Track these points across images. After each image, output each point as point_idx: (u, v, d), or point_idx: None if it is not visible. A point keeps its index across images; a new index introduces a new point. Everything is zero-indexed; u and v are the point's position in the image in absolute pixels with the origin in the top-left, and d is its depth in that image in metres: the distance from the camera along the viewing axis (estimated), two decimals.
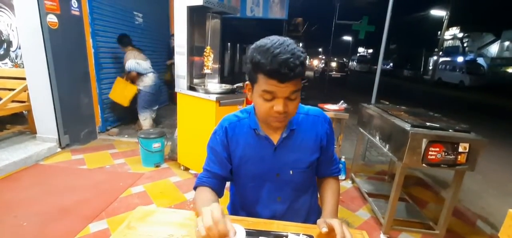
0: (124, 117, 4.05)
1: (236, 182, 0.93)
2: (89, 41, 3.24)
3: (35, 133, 2.94)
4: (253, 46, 0.72)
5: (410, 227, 1.91)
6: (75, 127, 3.05)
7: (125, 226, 0.75)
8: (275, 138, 0.84)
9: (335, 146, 0.95)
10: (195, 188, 0.88)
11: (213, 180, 0.87)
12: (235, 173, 0.89)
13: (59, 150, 2.90)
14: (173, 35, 3.21)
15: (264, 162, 0.84)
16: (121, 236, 0.72)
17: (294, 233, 0.71)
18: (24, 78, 2.85)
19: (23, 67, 2.81)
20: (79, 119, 3.10)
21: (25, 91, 2.90)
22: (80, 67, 3.06)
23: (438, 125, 1.59)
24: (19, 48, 3.20)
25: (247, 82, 0.78)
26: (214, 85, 2.59)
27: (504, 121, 6.63)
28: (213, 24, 2.55)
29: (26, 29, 2.63)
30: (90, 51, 3.27)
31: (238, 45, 16.19)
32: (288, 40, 0.69)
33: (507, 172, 3.39)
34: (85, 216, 1.85)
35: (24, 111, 3.09)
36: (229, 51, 14.42)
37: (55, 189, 2.18)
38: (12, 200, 1.99)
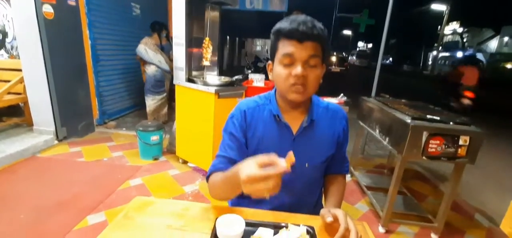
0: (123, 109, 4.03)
1: None
2: (86, 33, 3.19)
3: (32, 125, 2.91)
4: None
5: (408, 220, 1.91)
6: (73, 119, 3.02)
7: (122, 216, 0.74)
8: (295, 127, 0.82)
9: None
10: (208, 178, 0.82)
11: (230, 166, 0.80)
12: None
13: (56, 142, 2.88)
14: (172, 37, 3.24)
15: (281, 151, 0.78)
16: (118, 226, 0.70)
17: (294, 224, 0.70)
18: (20, 70, 2.81)
19: (19, 58, 2.77)
20: (76, 111, 3.07)
21: (21, 83, 2.86)
22: (77, 58, 3.02)
23: (438, 118, 1.58)
24: (15, 39, 3.15)
25: (269, 61, 0.82)
26: (213, 77, 2.57)
27: (502, 116, 6.65)
28: (212, 16, 2.51)
29: (22, 19, 2.58)
30: (87, 42, 3.22)
31: (237, 38, 16.08)
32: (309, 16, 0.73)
33: (505, 166, 3.41)
34: (83, 208, 1.84)
35: (20, 103, 3.06)
36: (228, 45, 14.33)
37: (53, 182, 2.16)
38: (9, 192, 1.97)
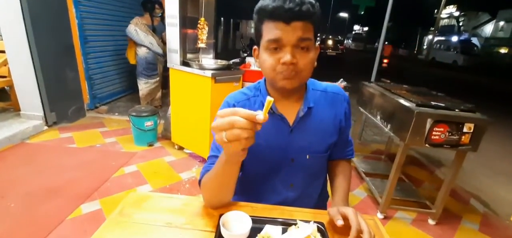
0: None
1: (244, 168, 0.81)
2: (72, 11, 2.99)
3: (19, 110, 2.78)
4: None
5: (406, 206, 1.92)
6: (62, 104, 2.89)
7: (117, 213, 0.68)
8: (291, 118, 0.74)
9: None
10: (200, 182, 0.73)
11: None
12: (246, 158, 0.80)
13: (45, 128, 2.77)
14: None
15: (278, 145, 0.74)
16: (114, 224, 0.65)
17: (303, 221, 0.65)
18: (3, 52, 2.64)
19: (2, 39, 2.59)
20: (65, 95, 2.94)
21: (5, 65, 2.70)
22: (63, 39, 2.85)
23: (443, 104, 1.54)
24: None
25: (254, 47, 0.71)
26: (209, 61, 2.46)
27: (496, 100, 6.74)
28: None
29: None
30: (74, 22, 3.03)
31: (231, 20, 15.65)
32: None
33: (499, 151, 3.46)
34: (77, 196, 1.78)
35: (5, 87, 2.90)
36: (222, 27, 13.95)
37: (44, 168, 2.08)
38: None
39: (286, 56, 0.61)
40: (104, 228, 0.63)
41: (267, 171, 0.78)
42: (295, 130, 0.74)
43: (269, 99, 0.49)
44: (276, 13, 0.60)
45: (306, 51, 0.64)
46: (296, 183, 0.79)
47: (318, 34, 0.69)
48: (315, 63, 0.68)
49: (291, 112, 0.74)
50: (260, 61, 0.69)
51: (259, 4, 0.64)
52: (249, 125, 0.47)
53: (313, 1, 0.62)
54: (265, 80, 0.77)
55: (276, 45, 0.63)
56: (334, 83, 2.54)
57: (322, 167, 0.84)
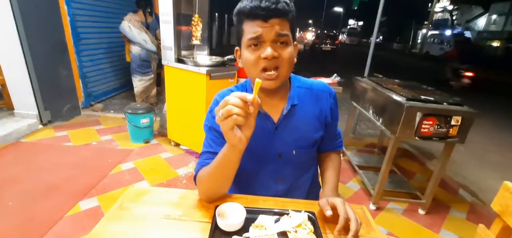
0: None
1: None
2: (64, 8, 2.96)
3: (13, 108, 2.76)
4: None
5: (397, 197, 1.99)
6: (56, 102, 2.88)
7: (117, 207, 0.71)
8: (275, 116, 0.77)
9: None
10: (195, 178, 0.76)
11: None
12: None
13: (40, 126, 2.76)
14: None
15: (265, 142, 0.77)
16: (114, 217, 0.67)
17: (295, 210, 0.69)
18: None
19: None
20: (59, 93, 2.92)
21: None
22: (55, 36, 2.83)
23: (432, 98, 1.59)
24: None
25: (236, 48, 0.74)
26: (204, 57, 2.47)
27: (486, 93, 6.87)
28: None
29: None
30: (66, 19, 3.00)
31: (226, 16, 15.54)
32: None
33: (487, 143, 3.56)
34: (74, 193, 1.80)
35: None
36: (216, 23, 13.85)
37: (41, 167, 2.08)
38: None
39: (267, 51, 0.65)
40: (105, 221, 0.66)
41: (256, 167, 0.81)
42: (280, 127, 0.78)
43: (258, 81, 0.55)
44: (254, 12, 0.64)
45: (285, 45, 0.67)
46: (285, 177, 0.83)
47: (295, 33, 0.73)
48: (295, 59, 0.72)
49: (275, 110, 0.77)
50: (242, 60, 0.71)
51: (237, 7, 0.68)
52: (241, 103, 0.54)
53: (288, 0, 0.66)
54: (249, 81, 0.80)
55: (257, 42, 0.66)
56: (321, 80, 2.59)
57: (310, 160, 0.87)
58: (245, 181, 0.85)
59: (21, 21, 2.41)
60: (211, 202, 0.74)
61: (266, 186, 0.83)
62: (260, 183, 0.84)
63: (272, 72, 0.67)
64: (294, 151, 0.79)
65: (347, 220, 0.63)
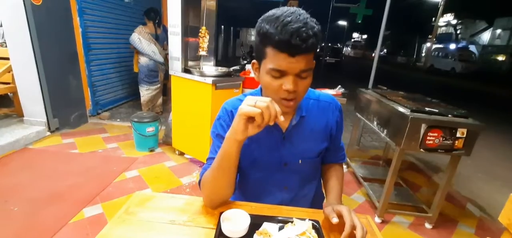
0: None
1: (240, 171, 0.85)
2: (76, 20, 3.07)
3: (22, 116, 2.82)
4: (261, 17, 0.65)
5: (403, 210, 1.95)
6: (65, 110, 2.94)
7: (123, 212, 0.72)
8: (283, 126, 0.79)
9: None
10: (200, 183, 0.77)
11: None
12: (240, 161, 0.82)
13: (48, 133, 2.81)
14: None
15: (272, 151, 0.79)
16: (120, 222, 0.68)
17: (300, 219, 0.69)
18: (7, 58, 2.69)
19: (6, 46, 2.65)
20: (68, 101, 2.99)
21: (9, 72, 2.75)
22: (67, 47, 2.92)
23: (437, 110, 1.59)
24: (1, 26, 3.01)
25: (254, 61, 0.72)
26: (210, 68, 2.52)
27: (493, 107, 6.80)
28: (208, 4, 2.44)
29: (8, 5, 2.45)
30: (78, 30, 3.11)
31: (232, 28, 15.85)
32: (300, 10, 0.62)
33: (495, 157, 3.50)
34: (79, 200, 1.81)
35: (9, 94, 2.95)
36: (223, 35, 14.12)
37: (46, 174, 2.11)
38: (1, 185, 1.92)
39: (288, 84, 0.64)
40: (111, 225, 0.67)
41: (262, 174, 0.83)
42: (287, 137, 0.79)
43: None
44: (282, 45, 0.60)
45: (306, 78, 0.67)
46: (290, 185, 0.84)
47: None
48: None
49: (284, 121, 0.78)
50: (261, 80, 0.70)
51: (264, 27, 0.62)
52: (274, 113, 0.58)
53: (317, 29, 0.61)
54: (261, 89, 0.81)
55: (279, 74, 0.65)
56: (327, 92, 2.60)
57: (314, 170, 0.88)
58: (252, 189, 0.86)
59: (35, 32, 2.50)
60: (215, 207, 0.74)
61: (272, 193, 0.84)
62: (265, 190, 0.85)
63: (291, 102, 0.68)
64: (300, 161, 0.81)
65: (353, 228, 0.63)
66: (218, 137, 0.79)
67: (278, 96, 0.68)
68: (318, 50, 0.72)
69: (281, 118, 0.58)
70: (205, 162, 0.82)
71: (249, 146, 0.78)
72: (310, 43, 0.60)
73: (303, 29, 0.58)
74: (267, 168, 0.82)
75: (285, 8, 0.63)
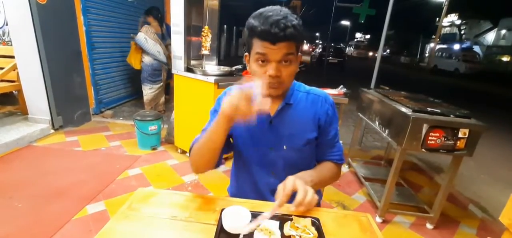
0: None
1: (235, 153, 0.94)
2: (80, 19, 3.10)
3: (27, 113, 2.86)
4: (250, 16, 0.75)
5: (405, 210, 1.95)
6: (68, 108, 2.97)
7: (126, 207, 0.73)
8: (272, 110, 0.84)
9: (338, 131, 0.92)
10: (190, 150, 0.84)
11: None
12: (234, 141, 0.90)
13: (52, 131, 2.84)
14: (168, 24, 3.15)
15: (259, 133, 0.85)
16: (123, 217, 0.70)
17: (300, 216, 0.70)
18: (12, 57, 2.73)
19: (11, 45, 2.69)
20: (72, 100, 3.02)
21: (14, 70, 2.78)
22: (72, 45, 2.95)
23: (439, 110, 1.59)
24: (7, 24, 3.05)
25: (245, 54, 0.81)
26: (212, 67, 2.53)
27: (496, 108, 6.74)
28: (211, 3, 2.45)
29: (13, 4, 2.49)
30: (82, 29, 3.14)
31: (234, 27, 15.86)
32: (283, 8, 0.73)
33: (498, 158, 3.48)
34: (82, 197, 1.83)
35: (14, 91, 2.98)
36: (225, 34, 14.14)
37: (50, 171, 2.14)
38: (6, 181, 1.95)
39: (271, 70, 0.73)
40: (114, 220, 0.68)
41: (252, 154, 0.88)
42: (275, 120, 0.84)
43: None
44: (264, 34, 0.70)
45: (289, 64, 0.75)
46: (275, 171, 0.88)
47: (301, 46, 0.81)
48: (297, 68, 0.79)
49: (273, 107, 0.83)
50: (250, 68, 0.80)
51: (250, 22, 0.74)
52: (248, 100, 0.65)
53: (296, 23, 0.71)
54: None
55: (263, 59, 0.74)
56: (329, 91, 2.59)
57: (300, 162, 0.87)
58: (244, 169, 0.92)
59: (40, 31, 2.53)
60: (200, 173, 0.86)
61: (260, 175, 0.90)
62: (256, 171, 0.90)
63: (275, 86, 0.76)
64: (285, 147, 0.85)
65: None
66: (214, 113, 0.88)
67: (264, 81, 0.73)
68: (300, 45, 0.78)
69: (267, 106, 0.63)
70: (201, 132, 0.86)
71: (237, 126, 0.82)
72: (288, 32, 0.69)
73: (282, 20, 0.69)
74: (256, 151, 0.87)
75: (270, 7, 0.73)
